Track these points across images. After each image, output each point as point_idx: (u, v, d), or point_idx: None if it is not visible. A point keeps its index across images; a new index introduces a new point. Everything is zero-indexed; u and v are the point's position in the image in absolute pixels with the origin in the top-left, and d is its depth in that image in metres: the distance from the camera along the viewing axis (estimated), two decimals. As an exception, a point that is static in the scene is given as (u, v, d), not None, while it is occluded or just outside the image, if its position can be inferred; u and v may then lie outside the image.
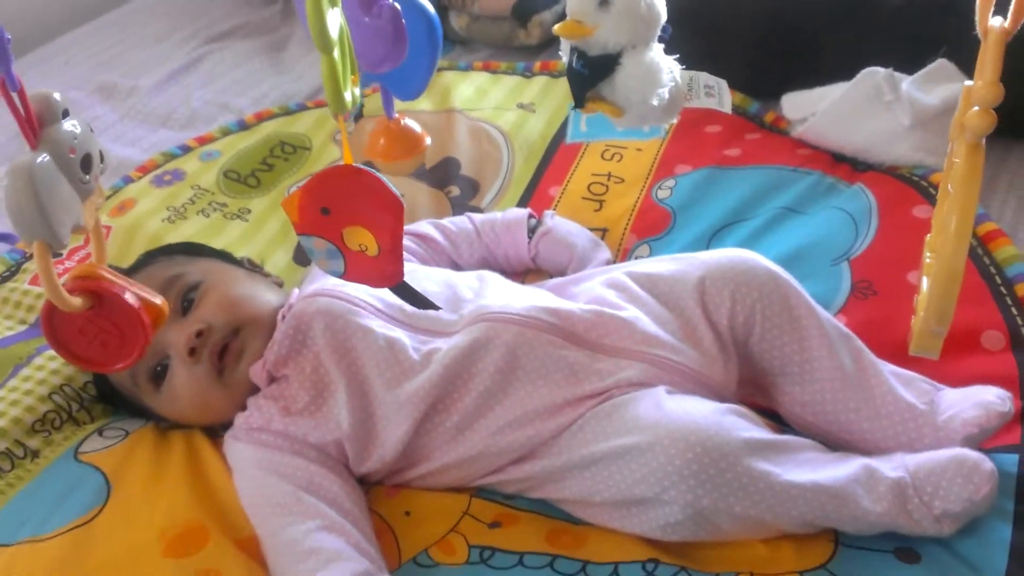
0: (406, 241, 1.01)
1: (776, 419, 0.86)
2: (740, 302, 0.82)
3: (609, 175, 1.20)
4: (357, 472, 0.83)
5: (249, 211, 1.25)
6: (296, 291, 0.92)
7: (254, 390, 0.86)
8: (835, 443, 0.81)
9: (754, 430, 0.73)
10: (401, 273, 0.66)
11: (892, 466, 0.73)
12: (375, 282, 0.69)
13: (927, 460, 0.73)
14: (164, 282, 0.88)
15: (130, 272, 0.93)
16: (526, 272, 1.07)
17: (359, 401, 0.82)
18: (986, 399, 0.77)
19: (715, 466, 0.69)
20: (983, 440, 0.77)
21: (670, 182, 1.16)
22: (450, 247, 1.05)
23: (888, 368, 0.82)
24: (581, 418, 0.78)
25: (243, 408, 0.86)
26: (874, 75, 1.17)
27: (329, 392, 0.83)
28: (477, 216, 1.09)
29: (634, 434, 0.73)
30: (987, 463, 0.71)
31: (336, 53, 0.56)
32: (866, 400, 0.80)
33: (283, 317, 0.86)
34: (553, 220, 1.06)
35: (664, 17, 0.68)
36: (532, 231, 1.05)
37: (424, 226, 1.07)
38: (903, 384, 0.81)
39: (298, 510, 0.76)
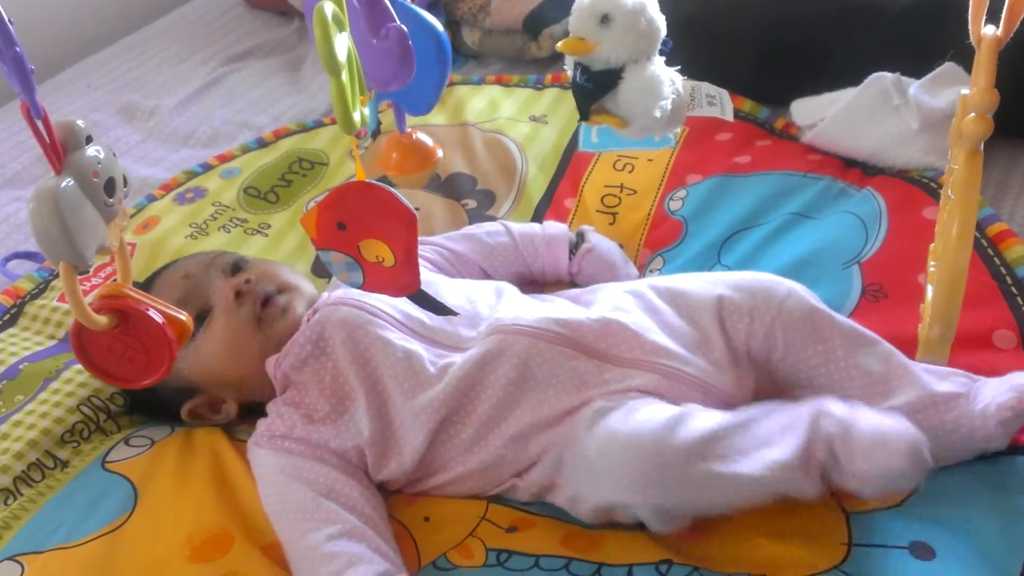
0: (434, 254, 1.03)
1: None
2: (759, 320, 0.83)
3: (622, 186, 1.22)
4: (376, 479, 0.84)
5: (269, 226, 1.28)
6: (325, 295, 0.94)
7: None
8: None
9: (701, 429, 0.72)
10: (418, 282, 0.68)
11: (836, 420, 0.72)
12: (393, 291, 0.71)
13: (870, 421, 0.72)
14: (212, 257, 0.94)
15: (172, 264, 1.01)
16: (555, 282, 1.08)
17: (378, 410, 0.84)
18: (1020, 383, 0.78)
19: (668, 474, 0.70)
20: (1019, 425, 0.77)
21: (681, 192, 1.18)
22: (484, 261, 1.05)
23: (923, 365, 0.82)
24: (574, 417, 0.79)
25: (264, 414, 0.88)
26: (882, 80, 1.17)
27: (350, 400, 0.85)
28: (515, 227, 1.08)
29: (593, 442, 0.74)
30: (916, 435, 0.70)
31: (344, 75, 0.58)
32: (898, 399, 0.79)
33: (307, 319, 0.89)
34: (594, 237, 1.06)
35: (664, 32, 0.69)
36: (574, 247, 1.05)
37: (457, 239, 1.07)
38: (940, 378, 0.81)
39: (319, 515, 0.77)
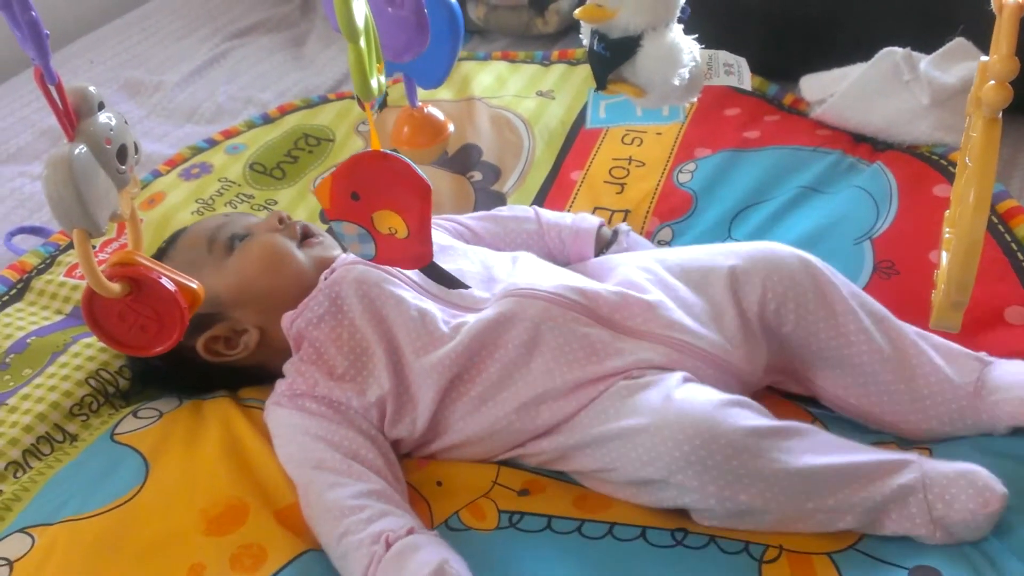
0: (452, 228, 1.02)
1: (815, 406, 0.87)
2: (771, 290, 0.82)
3: (630, 159, 1.21)
4: (391, 435, 0.84)
5: (275, 202, 1.27)
6: (342, 256, 0.94)
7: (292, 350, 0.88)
8: (877, 425, 0.82)
9: (759, 419, 0.73)
10: (430, 254, 0.68)
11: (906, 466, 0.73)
12: (406, 263, 0.71)
13: (942, 465, 0.72)
14: (238, 215, 0.99)
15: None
16: None
17: (395, 365, 0.84)
18: None
19: (721, 453, 0.69)
20: None
21: (691, 166, 1.17)
22: (504, 244, 1.03)
23: (934, 341, 0.82)
24: (599, 396, 0.79)
25: (281, 377, 0.87)
26: (892, 55, 1.17)
27: (367, 356, 0.85)
28: (545, 216, 1.04)
29: (642, 417, 0.74)
30: (1000, 485, 0.70)
31: (362, 42, 0.57)
32: (907, 381, 0.80)
33: (324, 278, 0.88)
34: (630, 240, 1.02)
35: (683, -1, 0.69)
36: (607, 245, 1.02)
37: (480, 219, 1.05)
38: (948, 361, 0.81)
39: (349, 472, 0.78)
